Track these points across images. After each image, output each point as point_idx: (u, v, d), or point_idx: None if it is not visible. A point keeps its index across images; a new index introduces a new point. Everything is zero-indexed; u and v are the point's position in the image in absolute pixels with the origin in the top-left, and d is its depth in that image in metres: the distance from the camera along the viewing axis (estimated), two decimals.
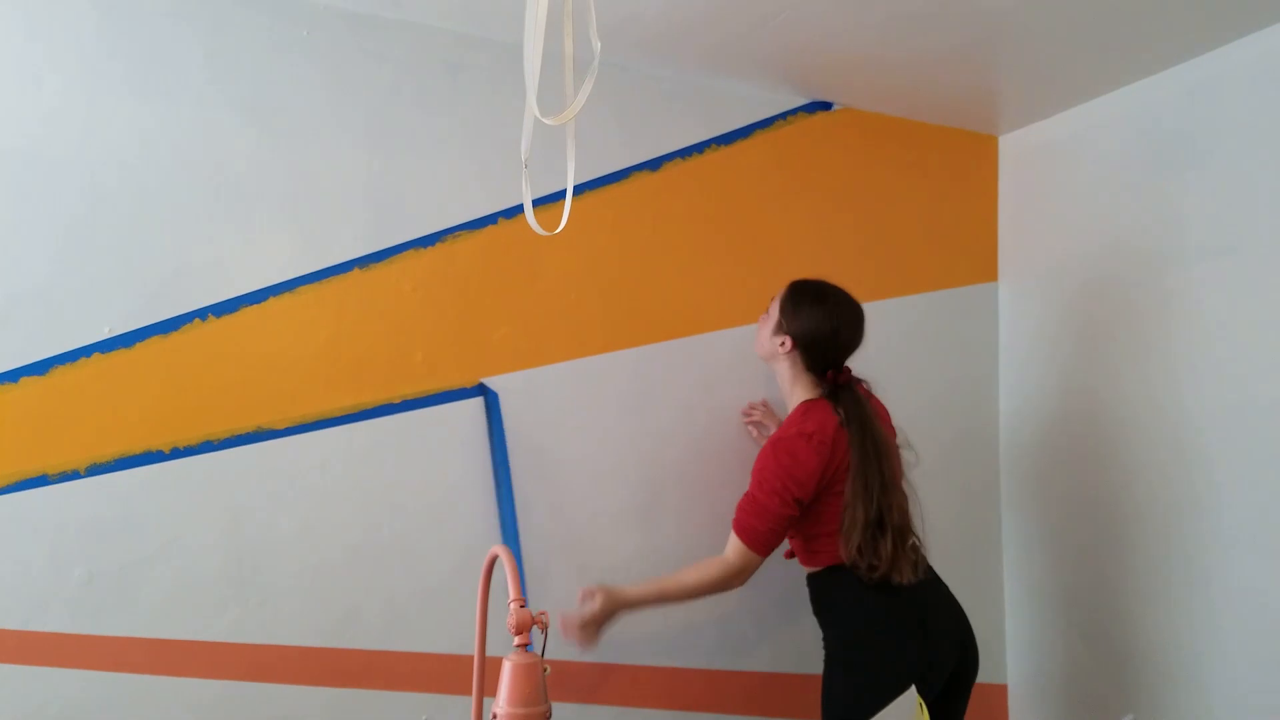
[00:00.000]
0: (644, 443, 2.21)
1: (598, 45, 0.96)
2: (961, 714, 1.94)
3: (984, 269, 2.61)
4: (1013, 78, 2.32)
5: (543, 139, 2.12)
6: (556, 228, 1.26)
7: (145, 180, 1.84)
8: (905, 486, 1.96)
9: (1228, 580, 2.02)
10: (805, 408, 1.95)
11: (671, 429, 2.24)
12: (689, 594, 1.92)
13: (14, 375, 1.73)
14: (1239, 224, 2.04)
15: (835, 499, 1.88)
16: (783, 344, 2.00)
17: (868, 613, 1.86)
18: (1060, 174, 2.49)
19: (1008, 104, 2.49)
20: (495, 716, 1.19)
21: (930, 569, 1.94)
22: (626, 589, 1.91)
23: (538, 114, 0.95)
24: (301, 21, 1.99)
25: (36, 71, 1.79)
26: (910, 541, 1.88)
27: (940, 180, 2.60)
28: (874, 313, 2.43)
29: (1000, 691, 2.48)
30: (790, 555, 2.08)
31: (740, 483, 2.26)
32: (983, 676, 2.45)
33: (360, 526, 1.93)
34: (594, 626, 1.89)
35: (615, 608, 1.90)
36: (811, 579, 1.98)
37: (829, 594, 1.94)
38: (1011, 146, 2.64)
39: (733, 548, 1.89)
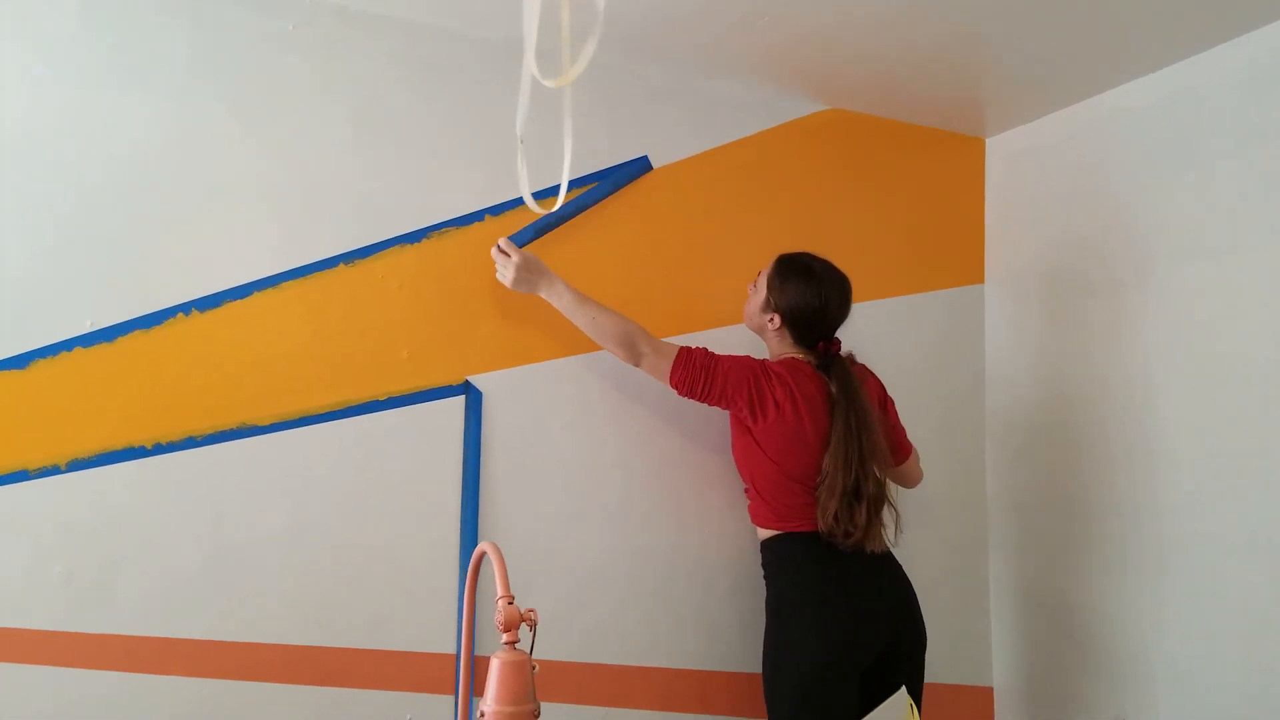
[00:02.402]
0: (628, 442, 2.19)
1: (602, 4, 0.94)
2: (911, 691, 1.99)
3: (970, 271, 2.62)
4: (999, 81, 2.33)
5: (535, 130, 2.13)
6: (554, 208, 1.26)
7: (129, 174, 1.82)
8: (913, 458, 2.15)
9: (1212, 580, 2.03)
10: (790, 360, 2.04)
11: (656, 429, 2.22)
12: (597, 324, 1.98)
13: None
14: (1221, 227, 2.06)
15: (796, 457, 1.96)
16: (771, 320, 2.05)
17: (805, 576, 1.97)
18: (1046, 176, 2.50)
19: (995, 107, 2.50)
20: (483, 715, 1.17)
21: (888, 547, 2.03)
22: (556, 283, 2.00)
23: (536, 74, 0.93)
24: (287, 15, 1.97)
25: (21, 65, 1.77)
26: (884, 512, 1.99)
27: (927, 182, 2.60)
28: (860, 314, 2.45)
29: (986, 694, 2.48)
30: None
31: (725, 483, 2.26)
32: (968, 679, 2.47)
33: (343, 525, 1.92)
34: (516, 271, 1.98)
35: (535, 275, 1.99)
36: (764, 544, 2.05)
37: (776, 557, 2.02)
38: (999, 149, 2.65)
39: (667, 348, 1.99)
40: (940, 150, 2.63)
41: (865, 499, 1.94)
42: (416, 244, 2.04)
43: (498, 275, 2.01)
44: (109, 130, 1.82)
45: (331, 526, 1.91)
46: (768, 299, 2.05)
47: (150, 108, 1.85)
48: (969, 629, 2.49)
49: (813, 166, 2.46)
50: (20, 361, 1.72)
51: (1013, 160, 2.61)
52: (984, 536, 2.56)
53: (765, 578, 2.06)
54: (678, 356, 1.97)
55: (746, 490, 2.11)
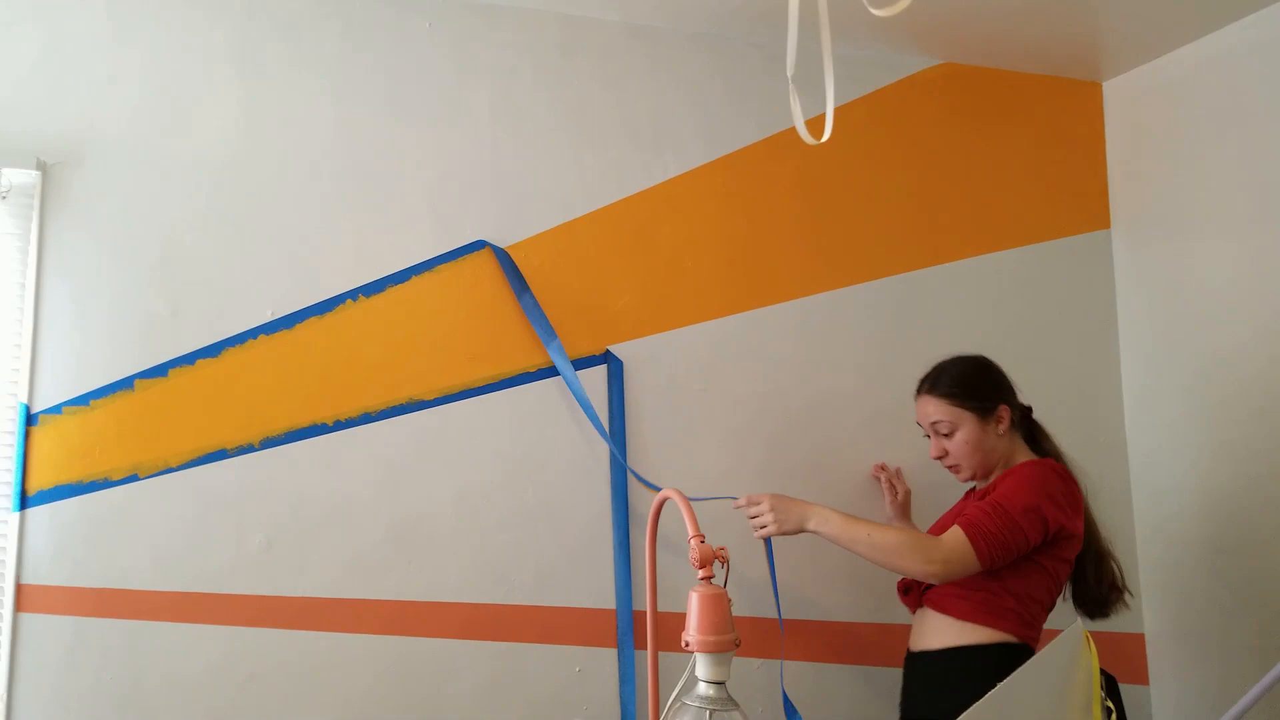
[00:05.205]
0: (767, 402, 2.26)
1: None
2: None
3: (1095, 217, 2.60)
4: (1113, 23, 2.31)
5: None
6: (823, 136, 1.34)
7: (294, 172, 1.98)
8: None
9: None
10: (1040, 459, 1.84)
11: (791, 385, 2.28)
12: (881, 544, 1.68)
13: (191, 358, 1.87)
14: None
15: (1060, 564, 1.76)
16: (1000, 422, 1.83)
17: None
18: (1169, 117, 2.46)
19: (1110, 50, 2.47)
20: (687, 644, 1.24)
21: None
22: (817, 509, 1.73)
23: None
24: (424, 13, 2.09)
25: (190, 80, 1.93)
26: None
27: (1045, 131, 2.58)
28: (983, 267, 2.47)
29: (1138, 641, 2.47)
30: (911, 600, 1.89)
31: (867, 435, 2.30)
32: (1118, 626, 2.45)
33: (507, 489, 2.04)
34: (774, 512, 1.77)
35: (793, 507, 1.74)
36: (978, 651, 1.70)
37: (989, 671, 1.52)
38: (1117, 91, 2.62)
39: (953, 537, 1.67)
40: (1056, 97, 2.61)
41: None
42: (554, 228, 2.14)
43: (758, 531, 1.80)
44: (274, 131, 1.97)
45: (494, 492, 2.03)
46: (980, 410, 1.81)
47: (309, 108, 2.00)
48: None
49: (928, 122, 2.47)
50: (213, 350, 1.88)
51: (1133, 102, 2.57)
52: (1126, 485, 2.53)
53: (951, 689, 1.57)
54: (974, 543, 1.66)
55: (983, 590, 1.73)
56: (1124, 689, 2.04)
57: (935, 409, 1.84)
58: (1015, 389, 1.89)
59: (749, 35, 2.32)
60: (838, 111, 2.34)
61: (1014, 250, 2.50)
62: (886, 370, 2.34)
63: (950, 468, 1.88)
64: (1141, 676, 2.46)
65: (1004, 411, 1.82)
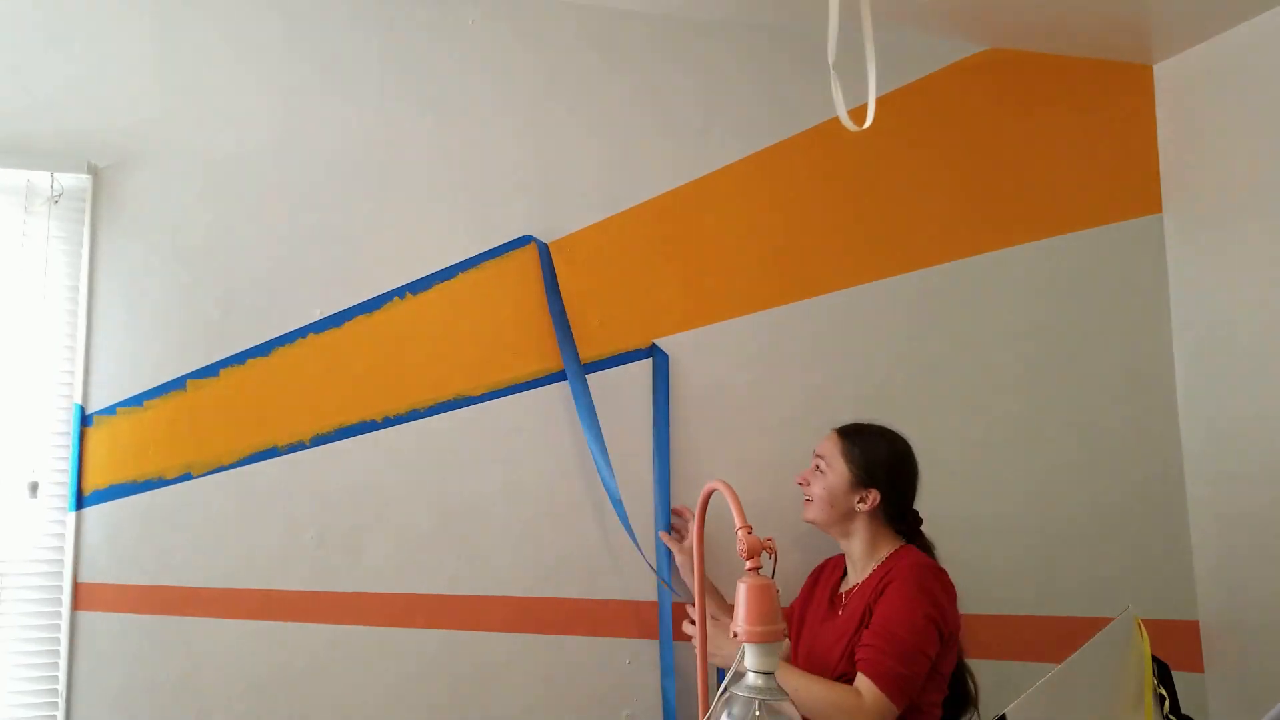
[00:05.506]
0: (814, 394, 2.24)
1: None
2: None
3: (1146, 202, 2.55)
4: (1166, 1, 2.25)
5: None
6: (864, 123, 1.34)
7: (339, 173, 1.99)
8: None
9: None
10: (908, 550, 1.82)
11: (839, 378, 2.26)
12: (808, 702, 1.65)
13: (241, 358, 1.90)
14: None
15: (947, 660, 1.76)
16: (862, 499, 1.82)
17: None
18: (1223, 99, 2.40)
19: (1162, 30, 2.41)
20: (735, 635, 1.24)
21: None
22: None
23: None
24: (466, 10, 2.10)
25: (237, 82, 1.95)
26: None
27: (1093, 115, 2.53)
28: (1032, 254, 2.44)
29: (1191, 628, 2.42)
30: None
31: (915, 425, 2.26)
32: (1172, 613, 2.41)
33: (555, 484, 2.04)
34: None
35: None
36: None
37: None
38: (1168, 74, 2.56)
39: (869, 694, 1.63)
40: (1105, 81, 2.55)
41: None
42: (598, 222, 2.14)
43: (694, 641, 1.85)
44: (319, 134, 1.99)
45: (541, 487, 2.03)
46: (853, 475, 1.83)
47: (352, 109, 2.01)
48: (1169, 562, 2.43)
49: (974, 109, 2.44)
50: (264, 350, 1.91)
51: (1185, 85, 2.51)
52: (1179, 472, 2.48)
53: None
54: (889, 695, 1.63)
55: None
56: (1177, 676, 2.00)
57: (828, 448, 1.89)
58: (914, 493, 1.88)
59: (787, 27, 2.29)
60: (881, 100, 2.32)
61: (1064, 237, 2.46)
62: (934, 360, 2.33)
63: (806, 500, 1.92)
64: (1196, 664, 2.41)
65: (873, 495, 1.82)
